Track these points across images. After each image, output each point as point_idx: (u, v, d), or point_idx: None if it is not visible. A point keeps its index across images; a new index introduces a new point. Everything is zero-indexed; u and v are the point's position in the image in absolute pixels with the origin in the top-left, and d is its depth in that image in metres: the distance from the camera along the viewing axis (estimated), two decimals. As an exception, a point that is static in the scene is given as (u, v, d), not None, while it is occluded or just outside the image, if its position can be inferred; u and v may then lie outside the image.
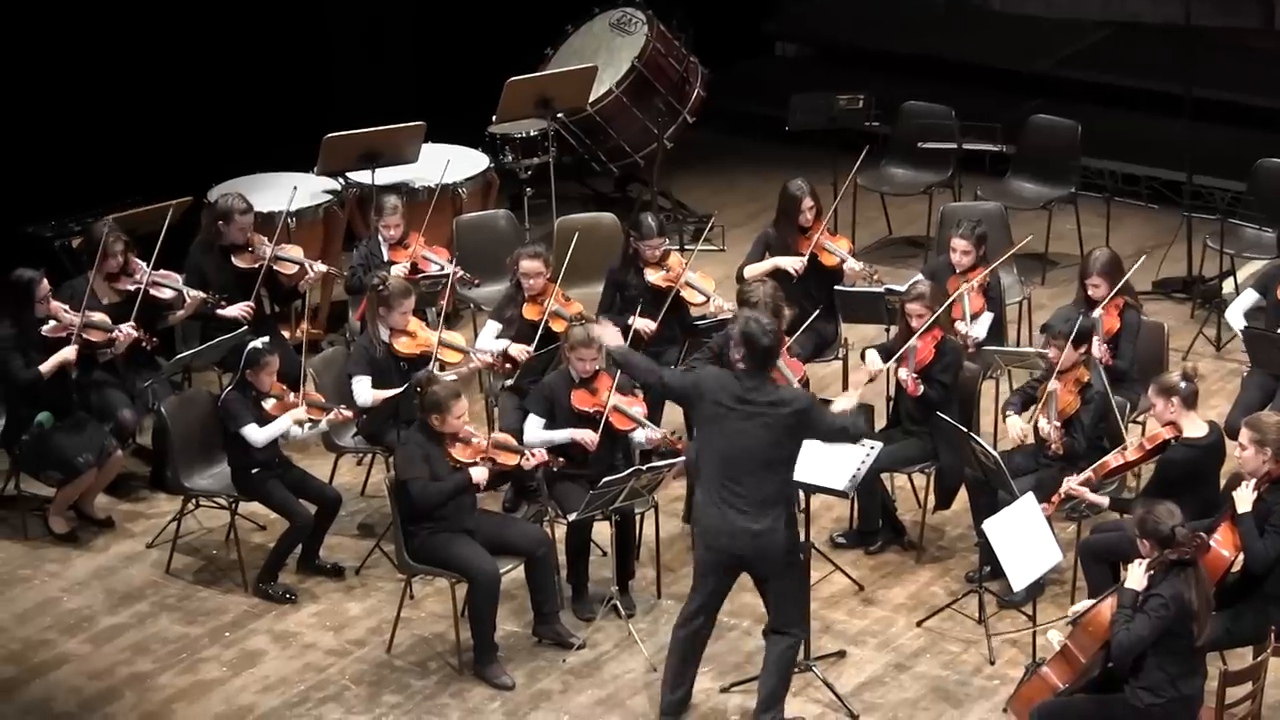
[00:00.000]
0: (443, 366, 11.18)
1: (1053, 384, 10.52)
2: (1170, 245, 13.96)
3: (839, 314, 12.18)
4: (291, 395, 10.87)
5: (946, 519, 11.34)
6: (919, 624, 10.55)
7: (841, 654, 10.32)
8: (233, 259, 12.05)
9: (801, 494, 9.95)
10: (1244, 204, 13.56)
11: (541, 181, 14.29)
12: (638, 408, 10.67)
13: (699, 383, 9.41)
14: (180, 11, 14.04)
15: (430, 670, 10.28)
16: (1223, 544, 9.35)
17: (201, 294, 11.78)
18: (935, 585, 10.88)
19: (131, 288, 11.59)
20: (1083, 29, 17.06)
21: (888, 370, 11.08)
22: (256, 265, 12.01)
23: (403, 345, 11.21)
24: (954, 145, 14.25)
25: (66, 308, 11.30)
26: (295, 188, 12.80)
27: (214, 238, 12.09)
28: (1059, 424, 10.47)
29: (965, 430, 10.40)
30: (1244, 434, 9.52)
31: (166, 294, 11.75)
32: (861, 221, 14.44)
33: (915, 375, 10.87)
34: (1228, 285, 13.57)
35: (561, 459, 10.48)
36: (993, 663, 10.22)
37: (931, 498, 11.14)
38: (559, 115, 14.38)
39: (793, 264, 12.07)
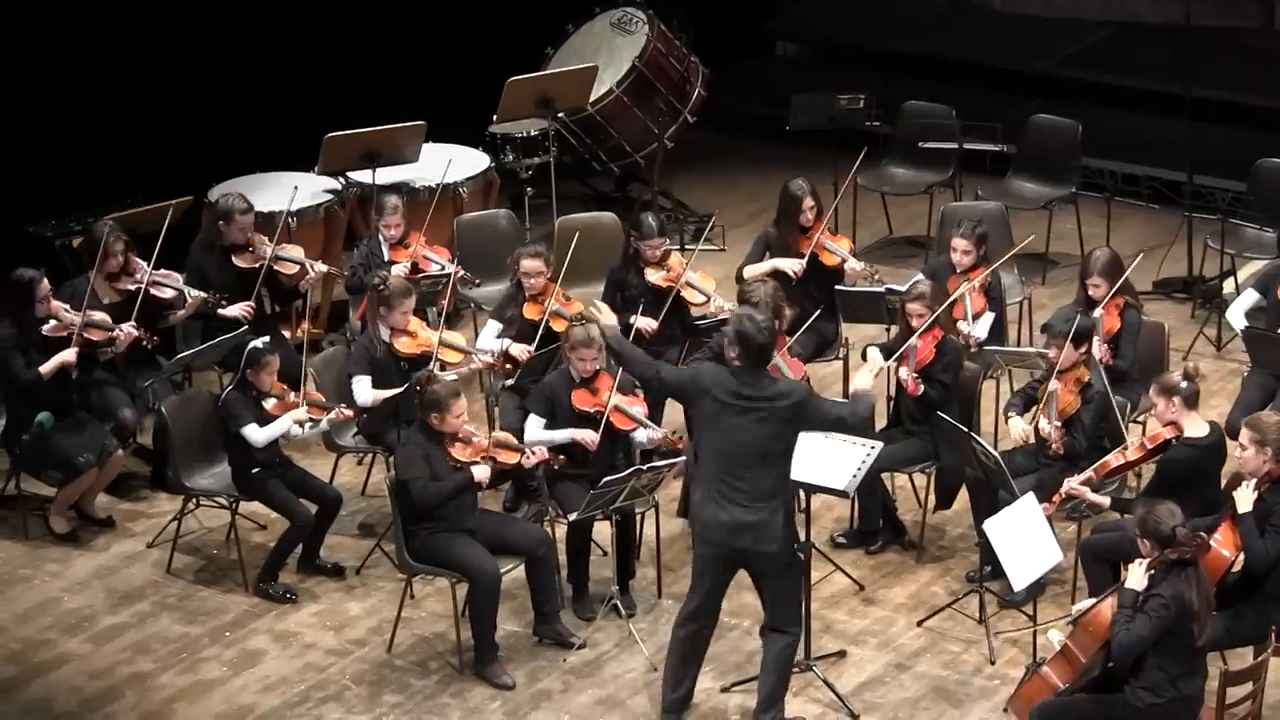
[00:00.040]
0: (443, 366, 11.18)
1: (1053, 384, 10.52)
2: (1171, 245, 13.95)
3: (840, 314, 12.18)
4: (292, 395, 10.87)
5: (947, 519, 11.34)
6: (919, 624, 10.55)
7: (842, 654, 10.33)
8: (233, 259, 12.05)
9: (802, 494, 9.95)
10: (1244, 204, 13.56)
11: (542, 181, 14.29)
12: (638, 407, 10.67)
13: (696, 378, 9.41)
14: (180, 11, 14.04)
15: (431, 670, 10.28)
16: (1223, 544, 9.35)
17: (202, 294, 11.78)
18: (936, 585, 10.89)
19: (132, 287, 11.59)
20: (1083, 29, 17.06)
21: (888, 370, 11.08)
22: (257, 265, 12.01)
23: (403, 345, 11.21)
24: (955, 145, 14.25)
25: (67, 307, 11.30)
26: (296, 187, 12.80)
27: (215, 237, 12.10)
28: (1059, 424, 10.47)
29: (966, 430, 10.40)
30: (1244, 434, 9.52)
31: (167, 294, 11.75)
32: (862, 221, 14.44)
33: (916, 375, 10.88)
34: (1228, 285, 13.57)
35: (562, 457, 10.49)
36: (993, 662, 10.23)
37: (932, 497, 11.15)
38: (560, 115, 14.38)
39: (791, 266, 12.06)
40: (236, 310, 11.83)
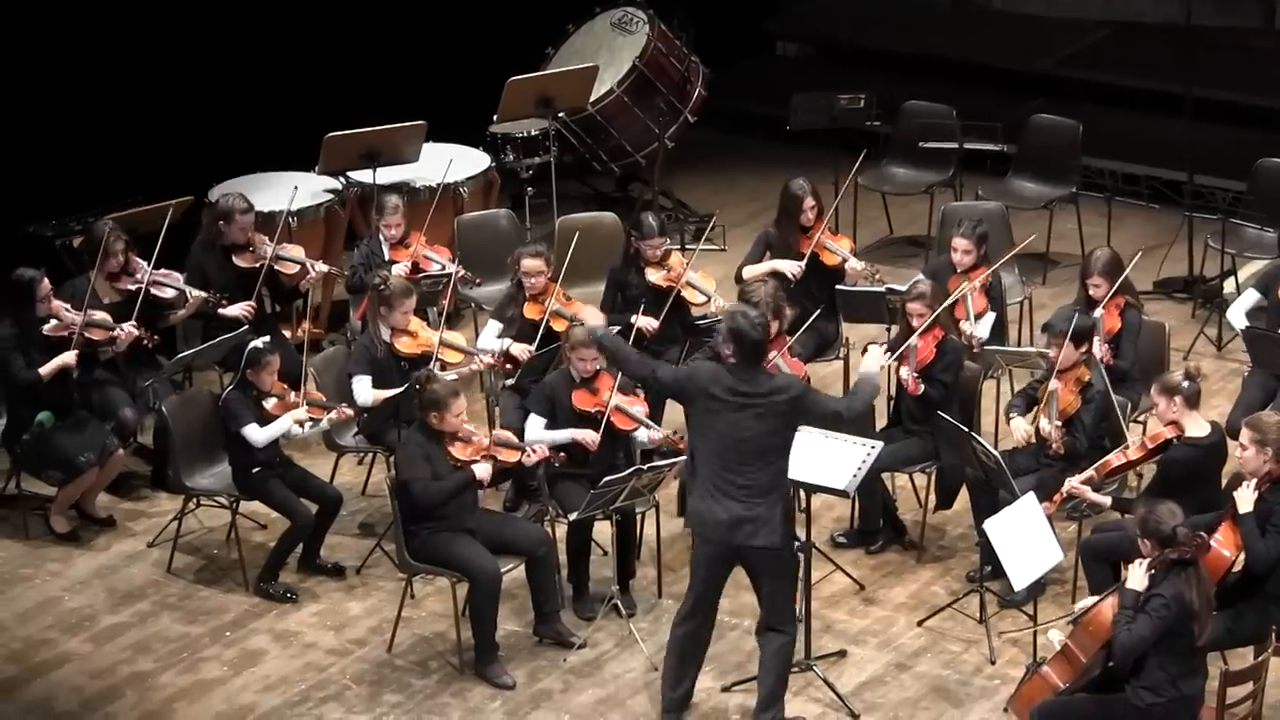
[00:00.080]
0: (444, 366, 11.18)
1: (1053, 383, 10.52)
2: (1171, 245, 13.95)
3: (840, 314, 12.18)
4: (292, 395, 10.87)
5: (947, 519, 11.34)
6: (920, 623, 10.55)
7: (842, 653, 10.33)
8: (234, 258, 12.05)
9: (802, 494, 9.95)
10: (1245, 204, 13.56)
11: (543, 181, 14.30)
12: (639, 407, 10.66)
13: (692, 376, 9.41)
14: (180, 11, 14.04)
15: (431, 669, 10.28)
16: (1224, 544, 9.35)
17: (203, 293, 11.78)
18: (936, 585, 10.89)
19: (132, 287, 11.59)
20: (1084, 28, 17.07)
21: (889, 369, 11.07)
22: (258, 265, 12.01)
23: (404, 345, 11.21)
24: (955, 145, 14.25)
25: (68, 307, 11.30)
26: (296, 187, 12.80)
27: (215, 237, 12.10)
28: (1060, 423, 10.47)
29: (966, 430, 10.40)
30: (1244, 434, 9.52)
31: (168, 293, 11.76)
32: (863, 221, 14.43)
33: (916, 374, 10.88)
34: (1229, 285, 13.57)
35: (563, 454, 10.49)
36: (993, 662, 10.22)
37: (932, 497, 11.15)
38: (560, 115, 14.38)
39: (790, 268, 12.06)
40: (237, 310, 11.83)
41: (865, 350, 10.98)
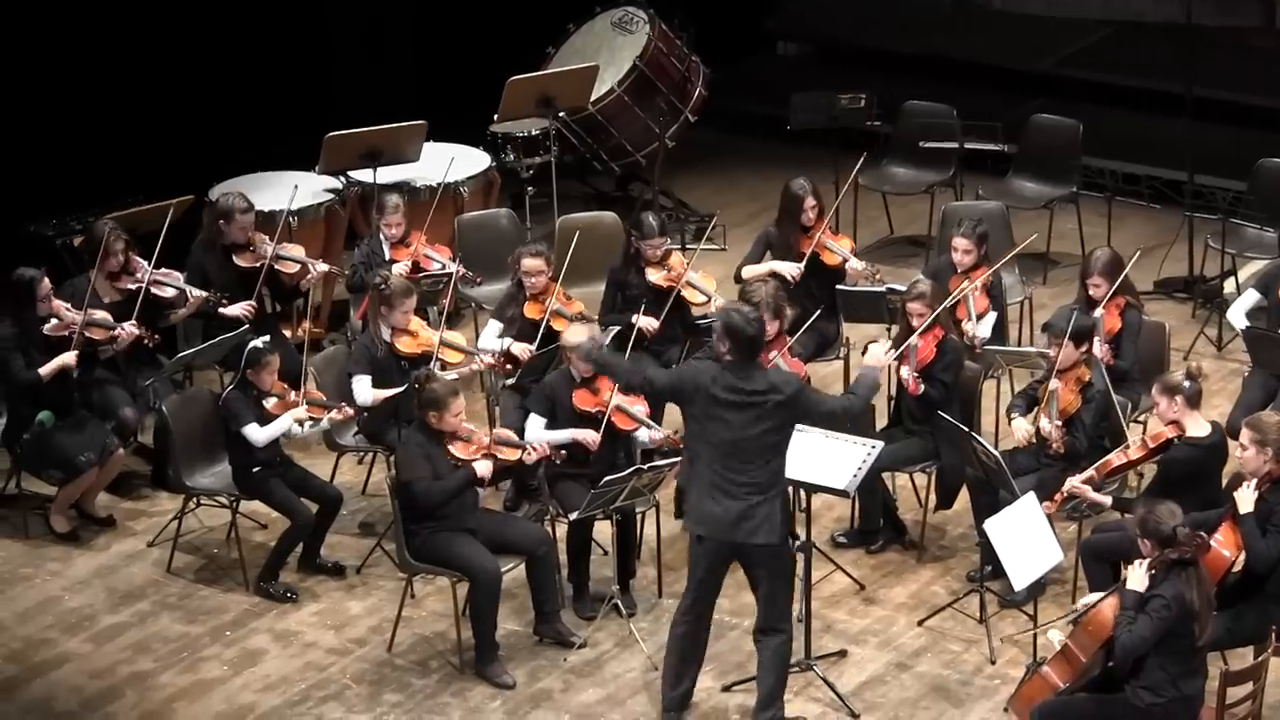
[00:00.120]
0: (444, 366, 11.18)
1: (1054, 383, 10.52)
2: (1171, 245, 13.95)
3: (841, 313, 12.17)
4: (292, 394, 10.87)
5: (947, 518, 11.34)
6: (920, 623, 10.55)
7: (842, 653, 10.32)
8: (234, 258, 12.05)
9: (802, 493, 9.95)
10: (1245, 204, 13.56)
11: (543, 180, 14.29)
12: (640, 407, 10.66)
13: (688, 376, 9.40)
14: (180, 11, 14.04)
15: (431, 669, 10.28)
16: (1224, 544, 9.35)
17: (203, 293, 11.78)
18: (936, 585, 10.89)
19: (133, 286, 11.59)
20: (1084, 28, 17.06)
21: (889, 369, 11.07)
22: (258, 264, 12.01)
23: (404, 344, 11.20)
24: (955, 144, 14.26)
25: (68, 306, 11.31)
26: (296, 186, 12.80)
27: (215, 236, 12.10)
28: (1060, 423, 10.46)
29: (966, 430, 10.40)
30: (1245, 434, 9.52)
31: (168, 293, 11.76)
32: (863, 221, 14.43)
33: (916, 374, 10.88)
34: (1229, 285, 13.57)
35: (564, 453, 10.49)
36: (994, 662, 10.22)
37: (933, 497, 11.15)
38: (560, 114, 14.38)
39: (789, 270, 12.05)
40: (237, 309, 11.83)
41: (865, 350, 11.02)
